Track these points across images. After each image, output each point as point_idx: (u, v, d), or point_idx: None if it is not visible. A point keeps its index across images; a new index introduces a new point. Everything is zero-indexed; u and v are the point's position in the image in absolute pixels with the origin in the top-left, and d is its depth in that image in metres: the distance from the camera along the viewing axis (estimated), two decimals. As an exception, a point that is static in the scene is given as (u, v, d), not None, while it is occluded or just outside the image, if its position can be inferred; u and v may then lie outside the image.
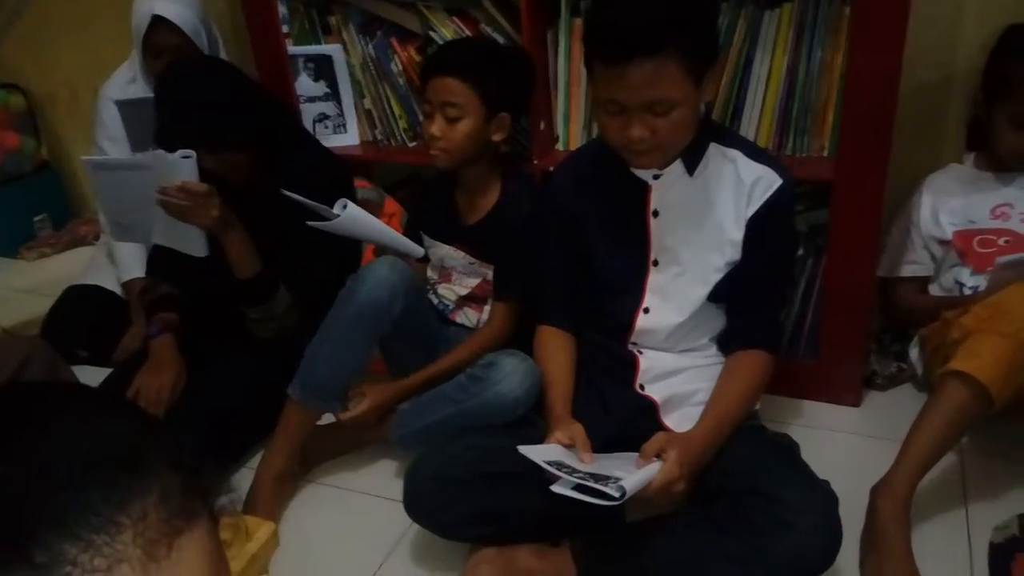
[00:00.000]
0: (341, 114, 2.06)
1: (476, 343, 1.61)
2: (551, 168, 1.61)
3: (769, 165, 1.31)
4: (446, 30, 1.83)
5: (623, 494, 1.07)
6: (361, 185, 1.99)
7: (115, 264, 2.12)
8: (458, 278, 1.70)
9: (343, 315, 1.51)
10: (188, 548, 0.44)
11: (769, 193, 1.30)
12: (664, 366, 1.40)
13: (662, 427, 1.34)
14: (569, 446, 1.24)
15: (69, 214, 2.98)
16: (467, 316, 1.71)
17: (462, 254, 1.67)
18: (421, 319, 1.64)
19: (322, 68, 2.00)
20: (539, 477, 1.17)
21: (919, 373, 1.68)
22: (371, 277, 1.51)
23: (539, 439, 1.26)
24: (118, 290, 2.14)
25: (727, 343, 1.40)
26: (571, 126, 1.81)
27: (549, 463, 1.15)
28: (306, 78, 2.01)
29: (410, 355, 1.64)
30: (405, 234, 1.74)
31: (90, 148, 2.20)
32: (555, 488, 1.14)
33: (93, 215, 2.67)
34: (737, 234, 1.32)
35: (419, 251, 1.69)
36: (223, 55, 2.02)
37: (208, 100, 1.56)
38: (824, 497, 1.17)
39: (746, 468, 1.22)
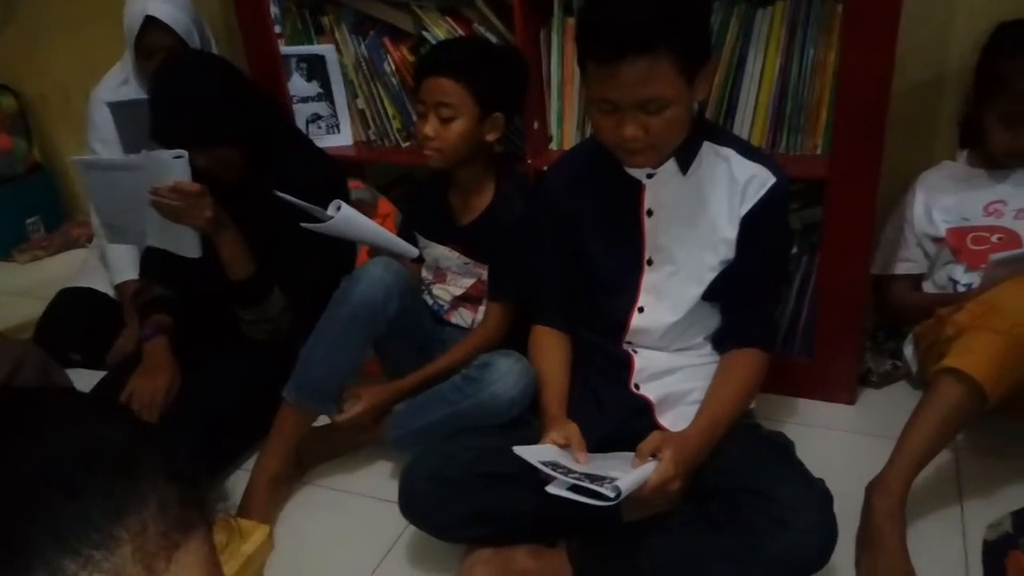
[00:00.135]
0: (334, 114, 2.05)
1: (471, 344, 1.60)
2: (545, 168, 1.61)
3: (762, 163, 1.32)
4: (439, 30, 1.83)
5: (618, 494, 1.07)
6: (355, 185, 1.99)
7: (108, 266, 2.11)
8: (453, 278, 1.70)
9: (338, 316, 1.51)
10: (186, 561, 0.44)
11: (763, 191, 1.30)
12: (659, 365, 1.40)
13: (657, 426, 1.34)
14: (564, 446, 1.23)
15: (62, 216, 2.97)
16: (462, 316, 1.71)
17: (456, 254, 1.67)
18: (416, 320, 1.63)
19: (315, 68, 2.00)
20: (534, 478, 1.17)
21: (914, 370, 1.68)
22: (365, 278, 1.51)
23: (534, 439, 1.26)
24: (111, 292, 2.13)
25: (721, 342, 1.40)
26: (565, 125, 1.81)
27: (544, 463, 1.15)
28: (299, 78, 2.01)
29: (405, 356, 1.64)
30: (399, 235, 1.74)
31: (82, 150, 2.19)
32: (550, 489, 1.13)
33: (86, 217, 2.66)
34: (731, 232, 1.32)
35: (413, 252, 1.68)
36: (216, 55, 2.01)
37: (201, 95, 1.55)
38: (819, 495, 1.17)
39: (741, 467, 1.22)
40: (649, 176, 1.33)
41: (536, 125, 1.77)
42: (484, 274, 1.65)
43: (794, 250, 1.69)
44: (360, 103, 2.03)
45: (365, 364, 1.61)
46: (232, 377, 1.67)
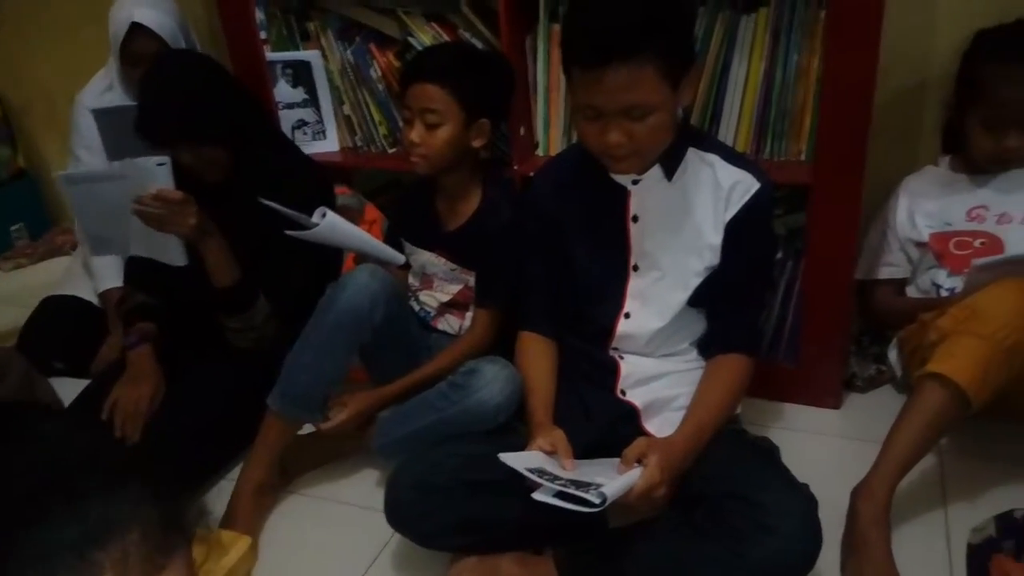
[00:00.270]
0: (320, 120, 2.05)
1: (458, 350, 1.60)
2: (531, 173, 1.61)
3: (747, 169, 1.32)
4: (425, 36, 1.83)
5: (604, 500, 1.07)
6: (341, 192, 1.98)
7: (91, 274, 2.10)
8: (439, 284, 1.69)
9: (323, 324, 1.50)
10: None
11: (747, 197, 1.31)
12: (645, 371, 1.40)
13: (643, 432, 1.34)
14: (551, 453, 1.23)
15: (46, 223, 2.95)
16: (449, 323, 1.70)
17: (443, 260, 1.67)
18: (402, 327, 1.63)
19: (300, 74, 1.99)
20: (520, 485, 1.16)
21: (898, 375, 1.69)
22: (351, 285, 1.50)
23: (521, 446, 1.26)
24: (95, 300, 2.11)
25: (707, 347, 1.40)
26: (551, 131, 1.81)
27: (530, 470, 1.15)
28: (284, 84, 2.00)
29: (391, 363, 1.63)
30: (386, 241, 1.74)
31: (67, 156, 2.17)
32: (536, 495, 1.13)
33: (70, 224, 2.64)
34: (716, 238, 1.33)
35: (400, 258, 1.68)
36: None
37: (188, 91, 1.56)
38: (804, 500, 1.17)
39: (726, 472, 1.22)
40: (634, 182, 1.34)
41: (522, 131, 1.77)
42: (471, 280, 1.65)
43: (779, 255, 1.70)
44: (346, 109, 2.02)
45: (351, 371, 1.60)
46: (216, 385, 1.66)
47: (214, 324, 1.67)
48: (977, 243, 1.60)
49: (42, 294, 2.17)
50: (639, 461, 1.18)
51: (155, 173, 1.48)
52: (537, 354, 1.44)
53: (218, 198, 1.61)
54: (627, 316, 1.39)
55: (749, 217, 1.31)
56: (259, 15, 1.96)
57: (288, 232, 1.51)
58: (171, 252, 1.57)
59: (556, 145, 1.81)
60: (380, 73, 1.93)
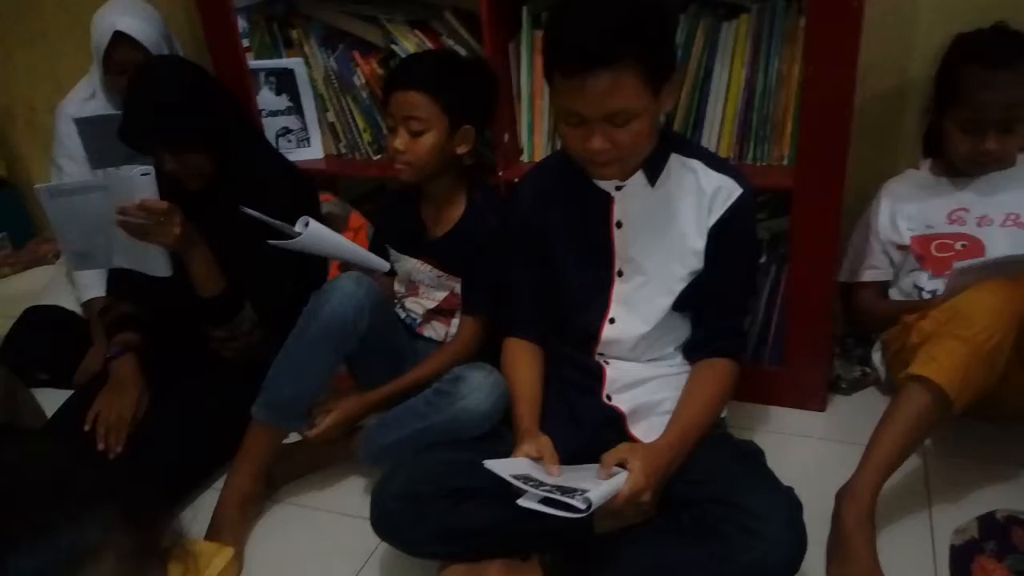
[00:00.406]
0: (304, 128, 2.04)
1: (444, 356, 1.60)
2: (516, 180, 1.61)
3: (729, 175, 1.33)
4: (408, 43, 1.83)
5: (589, 506, 1.07)
6: (326, 199, 1.98)
7: (74, 284, 2.09)
8: (425, 291, 1.69)
9: (307, 333, 1.49)
10: None
11: (730, 202, 1.32)
12: (631, 376, 1.40)
13: (630, 437, 1.35)
14: (537, 459, 1.23)
15: (28, 233, 2.92)
16: (435, 329, 1.70)
17: (429, 267, 1.66)
18: (388, 334, 1.62)
19: (284, 82, 1.99)
20: (506, 491, 1.16)
21: (882, 377, 1.70)
22: (336, 293, 1.50)
23: (507, 453, 1.26)
24: (79, 310, 2.10)
25: (692, 352, 1.41)
26: (535, 138, 1.81)
27: (515, 477, 1.15)
28: (268, 92, 2.00)
29: (377, 370, 1.63)
30: (371, 248, 1.74)
31: (49, 165, 2.16)
32: (522, 502, 1.13)
33: (53, 234, 2.62)
34: (699, 243, 1.33)
35: (385, 266, 1.68)
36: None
37: (172, 97, 1.55)
38: (788, 504, 1.18)
39: (711, 477, 1.22)
40: (618, 188, 1.34)
41: (507, 137, 1.78)
42: (457, 287, 1.65)
43: (762, 260, 1.71)
44: (330, 116, 2.02)
45: (336, 379, 1.59)
46: (201, 395, 1.65)
47: (198, 333, 1.66)
48: (958, 245, 1.61)
49: (25, 304, 2.15)
50: (622, 466, 1.18)
51: (139, 183, 1.47)
52: (523, 360, 1.44)
53: (201, 206, 1.61)
54: (612, 321, 1.39)
55: (732, 222, 1.32)
56: (241, 23, 1.96)
57: (270, 242, 1.51)
58: (155, 263, 1.56)
59: (540, 151, 1.82)
60: (364, 80, 1.93)
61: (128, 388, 1.64)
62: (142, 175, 1.47)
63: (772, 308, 1.74)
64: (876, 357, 1.70)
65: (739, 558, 1.13)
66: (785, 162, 1.65)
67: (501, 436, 1.42)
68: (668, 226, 1.34)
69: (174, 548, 0.48)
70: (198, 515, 1.56)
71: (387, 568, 1.44)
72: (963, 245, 1.61)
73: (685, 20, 1.61)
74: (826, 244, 1.59)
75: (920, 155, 1.73)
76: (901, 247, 1.67)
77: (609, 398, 1.39)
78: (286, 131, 2.04)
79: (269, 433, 1.54)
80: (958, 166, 1.62)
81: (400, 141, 1.52)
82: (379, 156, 2.00)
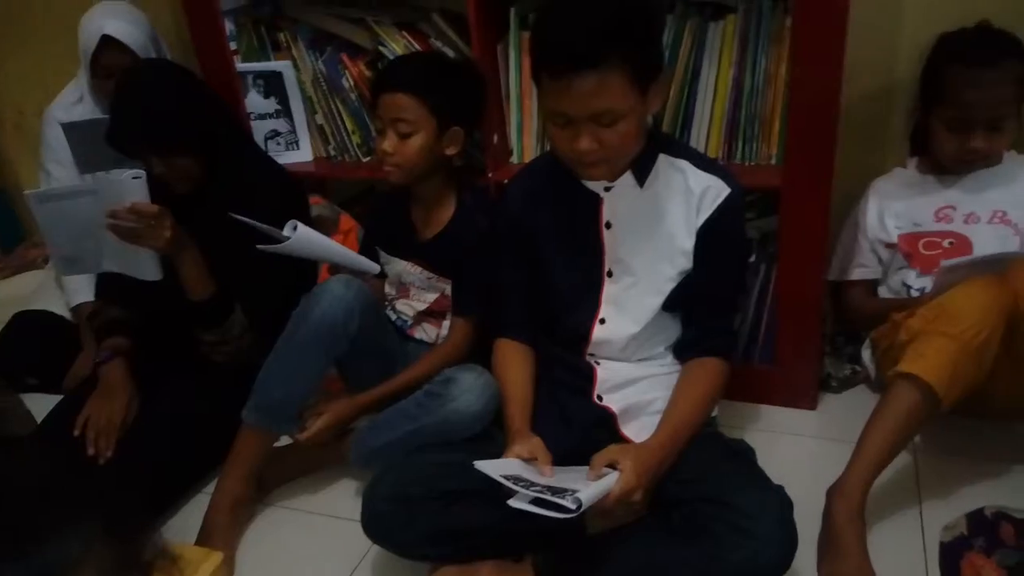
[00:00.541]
0: (293, 131, 2.04)
1: (435, 358, 1.60)
2: (506, 181, 1.61)
3: (717, 174, 1.33)
4: (396, 45, 1.83)
5: (579, 506, 1.07)
6: (315, 202, 1.98)
7: (63, 289, 2.08)
8: (416, 293, 1.69)
9: (297, 335, 1.49)
10: None
11: (718, 202, 1.32)
12: (621, 376, 1.40)
13: (621, 437, 1.35)
14: (529, 460, 1.23)
15: (17, 237, 2.91)
16: (425, 331, 1.70)
17: (419, 269, 1.66)
18: (378, 337, 1.62)
19: (272, 85, 1.98)
20: (497, 492, 1.16)
21: (872, 375, 1.71)
22: (325, 296, 1.49)
23: (498, 454, 1.26)
24: (68, 315, 2.09)
25: (682, 351, 1.41)
26: (524, 139, 1.81)
27: (506, 477, 1.15)
28: (256, 95, 1.99)
29: (368, 373, 1.63)
30: (361, 250, 1.73)
31: (37, 170, 2.15)
32: (512, 502, 1.13)
33: (43, 239, 2.61)
34: (688, 243, 1.34)
35: (375, 268, 1.67)
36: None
37: (161, 102, 1.55)
38: (779, 502, 1.18)
39: (701, 476, 1.23)
40: (607, 189, 1.35)
41: (496, 139, 1.78)
42: (447, 289, 1.65)
43: (752, 259, 1.71)
44: (319, 119, 2.02)
45: (327, 382, 1.59)
46: (191, 399, 1.65)
47: (188, 337, 1.65)
48: (946, 243, 1.62)
49: (14, 309, 2.14)
50: (612, 466, 1.18)
51: (130, 187, 1.46)
52: (514, 361, 1.44)
53: (190, 210, 1.60)
54: (602, 322, 1.40)
55: (720, 222, 1.33)
56: (229, 26, 1.95)
57: (260, 247, 1.50)
58: (145, 267, 1.55)
59: (530, 152, 1.82)
60: (352, 82, 1.93)
61: (118, 393, 1.64)
62: (133, 178, 1.46)
63: (762, 307, 1.75)
64: (866, 355, 1.71)
65: (730, 557, 1.14)
66: (773, 161, 1.66)
67: (492, 437, 1.42)
68: (657, 226, 1.34)
69: (157, 560, 0.48)
70: (189, 520, 1.56)
71: (379, 571, 1.44)
72: (950, 243, 1.61)
73: (672, 20, 1.61)
74: (815, 243, 1.59)
75: (907, 153, 1.74)
76: (889, 245, 1.68)
77: (600, 398, 1.39)
78: (275, 134, 2.04)
79: (259, 437, 1.54)
80: (945, 164, 1.63)
81: (388, 143, 1.52)
82: (368, 158, 2.00)
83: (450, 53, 1.79)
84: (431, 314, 1.69)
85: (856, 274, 1.73)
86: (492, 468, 1.17)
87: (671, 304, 1.37)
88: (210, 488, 1.57)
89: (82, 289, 2.00)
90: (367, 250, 1.74)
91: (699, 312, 1.39)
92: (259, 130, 2.01)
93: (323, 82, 1.96)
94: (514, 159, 1.84)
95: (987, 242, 1.58)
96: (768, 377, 1.75)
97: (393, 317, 1.72)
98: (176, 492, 1.63)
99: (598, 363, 1.42)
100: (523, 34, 1.71)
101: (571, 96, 1.17)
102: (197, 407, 1.64)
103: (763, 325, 1.76)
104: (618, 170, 1.32)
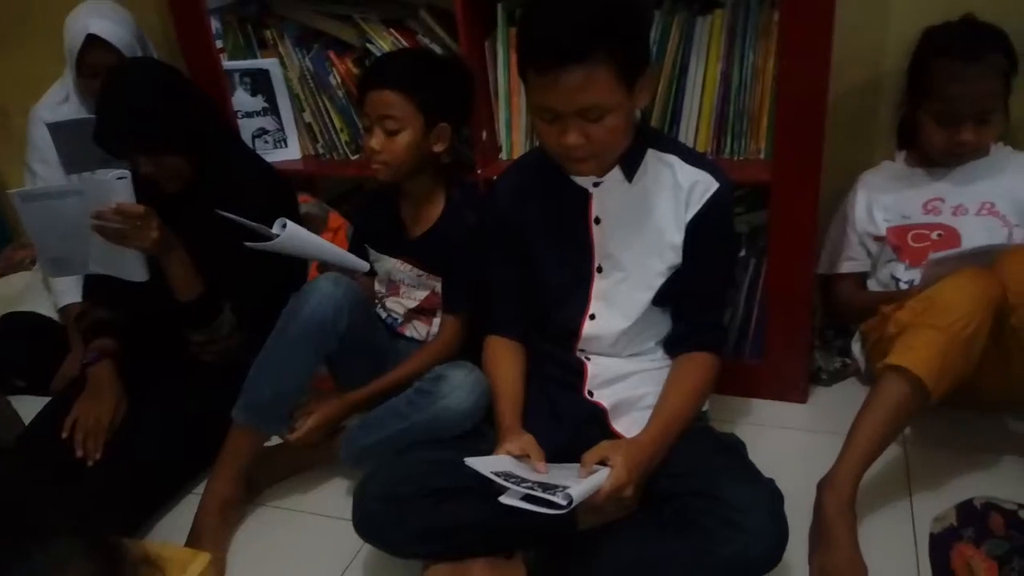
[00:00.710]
0: (281, 128, 2.03)
1: (426, 355, 1.59)
2: (495, 177, 1.61)
3: (705, 169, 1.33)
4: (383, 42, 1.82)
5: (570, 502, 1.07)
6: (304, 200, 1.97)
7: (51, 290, 2.06)
8: (406, 291, 1.69)
9: (287, 334, 1.48)
10: None
11: (707, 197, 1.32)
12: (612, 371, 1.41)
13: (612, 433, 1.35)
14: (520, 457, 1.23)
15: (4, 238, 2.89)
16: (416, 329, 1.70)
17: (409, 267, 1.66)
18: (368, 334, 1.62)
19: (259, 82, 1.97)
20: (488, 489, 1.16)
21: (862, 368, 1.71)
22: (315, 294, 1.49)
23: (489, 451, 1.26)
24: (56, 316, 2.08)
25: (672, 346, 1.41)
26: (513, 135, 1.81)
27: (496, 474, 1.15)
28: (243, 93, 1.98)
29: (358, 371, 1.62)
30: (350, 248, 1.73)
31: (23, 170, 2.13)
32: (503, 499, 1.13)
33: (29, 239, 2.59)
34: (677, 238, 1.34)
35: (364, 266, 1.67)
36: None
37: (146, 101, 1.54)
38: (770, 495, 1.18)
39: (691, 470, 1.23)
40: (596, 184, 1.34)
41: (484, 135, 1.77)
42: (437, 286, 1.65)
43: (741, 253, 1.72)
44: (307, 116, 2.01)
45: (317, 381, 1.58)
46: (180, 399, 1.64)
47: (176, 337, 1.64)
48: (934, 235, 1.62)
49: (1, 310, 2.12)
50: (603, 462, 1.18)
51: (115, 187, 1.45)
52: (504, 358, 1.44)
53: (178, 209, 1.59)
54: (592, 317, 1.40)
55: (709, 216, 1.33)
56: (215, 24, 1.94)
57: (248, 244, 1.49)
58: (132, 267, 1.54)
59: (519, 148, 1.81)
60: (340, 80, 1.92)
61: (106, 394, 1.63)
62: (118, 179, 1.45)
63: (752, 301, 1.75)
64: (856, 348, 1.71)
65: (721, 551, 1.14)
66: (762, 156, 1.66)
67: (483, 434, 1.41)
68: (646, 221, 1.34)
69: (141, 568, 0.47)
70: (178, 521, 1.55)
71: (371, 569, 1.44)
72: (939, 235, 1.62)
73: (660, 16, 1.61)
74: (804, 237, 1.59)
75: (895, 147, 1.75)
76: (878, 238, 1.68)
77: (591, 394, 1.39)
78: (262, 132, 2.03)
79: (250, 436, 1.53)
80: (934, 157, 1.64)
81: (376, 141, 1.51)
82: (357, 156, 1.99)
83: (438, 49, 1.78)
84: (421, 311, 1.68)
85: (845, 267, 1.74)
86: (483, 465, 1.17)
87: (661, 299, 1.37)
88: (200, 489, 1.57)
89: (69, 290, 1.98)
90: (356, 248, 1.73)
91: (689, 307, 1.39)
92: (246, 128, 2.00)
93: (310, 79, 1.95)
94: (503, 155, 1.83)
95: (975, 234, 1.58)
96: (758, 371, 1.76)
97: (383, 315, 1.72)
98: (165, 493, 1.63)
99: (588, 359, 1.42)
100: (511, 30, 1.70)
101: (558, 91, 1.17)
102: (186, 407, 1.63)
103: (753, 319, 1.76)
104: (607, 165, 1.32)
